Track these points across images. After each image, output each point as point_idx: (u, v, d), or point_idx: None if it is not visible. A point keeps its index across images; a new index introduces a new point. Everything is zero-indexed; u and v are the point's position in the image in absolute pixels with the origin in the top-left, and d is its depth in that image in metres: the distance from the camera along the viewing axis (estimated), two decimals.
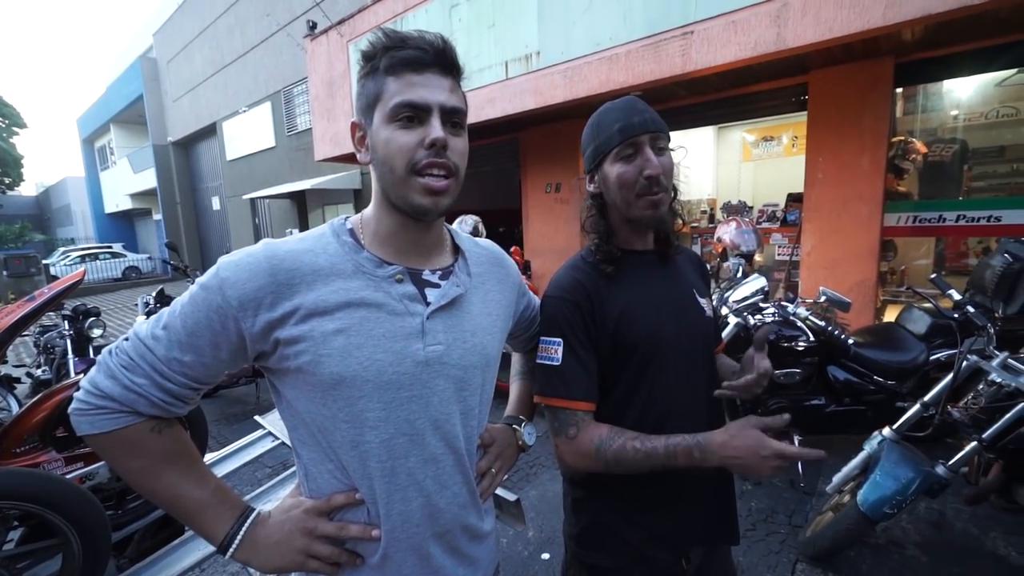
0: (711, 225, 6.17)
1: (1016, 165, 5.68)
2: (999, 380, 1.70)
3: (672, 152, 0.95)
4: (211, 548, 1.60)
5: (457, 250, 0.84)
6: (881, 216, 4.13)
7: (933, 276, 2.04)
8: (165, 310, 0.66)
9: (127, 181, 19.11)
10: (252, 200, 12.22)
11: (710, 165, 8.22)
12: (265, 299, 0.64)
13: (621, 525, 0.95)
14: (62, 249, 18.65)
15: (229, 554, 0.69)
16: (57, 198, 28.01)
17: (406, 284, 0.72)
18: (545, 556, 2.18)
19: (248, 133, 12.57)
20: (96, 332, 3.79)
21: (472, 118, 4.33)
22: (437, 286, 0.76)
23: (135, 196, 19.31)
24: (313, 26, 7.12)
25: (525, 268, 6.74)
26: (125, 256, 17.47)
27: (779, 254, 5.00)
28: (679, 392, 0.93)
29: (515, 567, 2.12)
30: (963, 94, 5.46)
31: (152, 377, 0.64)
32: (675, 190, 0.98)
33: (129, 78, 17.14)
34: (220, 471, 2.07)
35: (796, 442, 0.81)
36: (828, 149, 4.26)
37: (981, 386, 1.80)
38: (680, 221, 1.02)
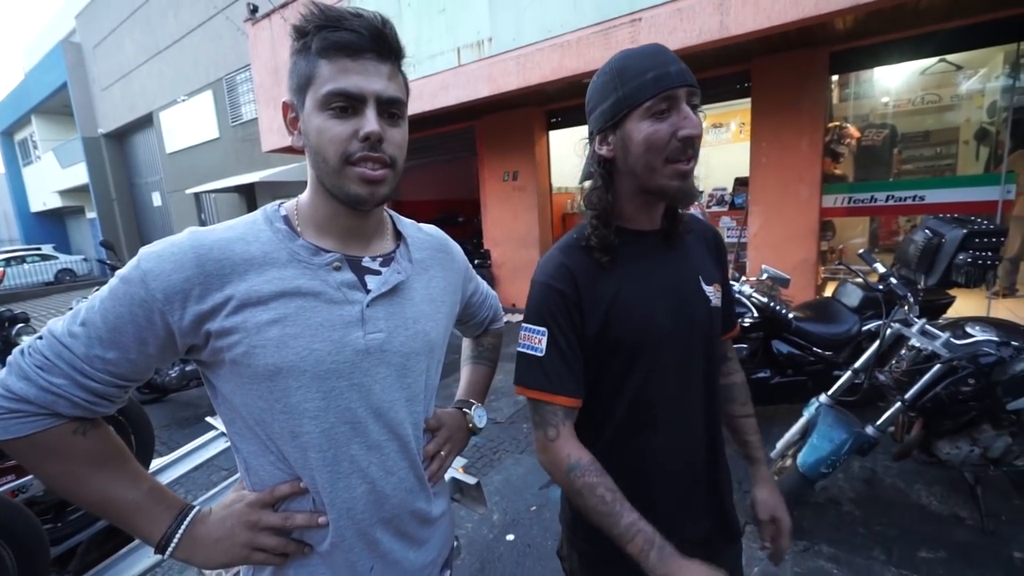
0: None
1: (940, 148, 6.15)
2: (918, 345, 1.86)
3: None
4: (160, 556, 1.55)
5: (399, 236, 0.83)
6: (819, 198, 4.37)
7: (861, 252, 2.19)
8: (82, 306, 0.63)
9: (55, 177, 17.68)
10: (197, 195, 11.61)
11: None
12: (193, 291, 0.62)
13: None
14: None
15: (168, 553, 0.67)
16: None
17: (344, 272, 0.71)
18: (509, 537, 2.22)
19: (189, 124, 11.88)
20: (25, 340, 3.53)
21: (426, 106, 4.29)
22: (378, 273, 0.75)
23: (65, 193, 17.90)
24: (254, 9, 6.77)
25: (484, 257, 6.73)
26: (56, 258, 16.19)
27: (728, 236, 5.21)
28: (672, 390, 0.86)
29: (480, 549, 2.15)
30: (893, 82, 5.82)
31: (72, 376, 0.60)
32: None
33: (50, 64, 15.79)
34: (170, 475, 1.98)
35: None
36: (770, 134, 4.45)
37: (903, 351, 1.95)
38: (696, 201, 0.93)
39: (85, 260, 16.81)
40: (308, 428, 0.67)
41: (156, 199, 14.32)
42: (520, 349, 0.85)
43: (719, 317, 0.93)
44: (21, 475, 1.61)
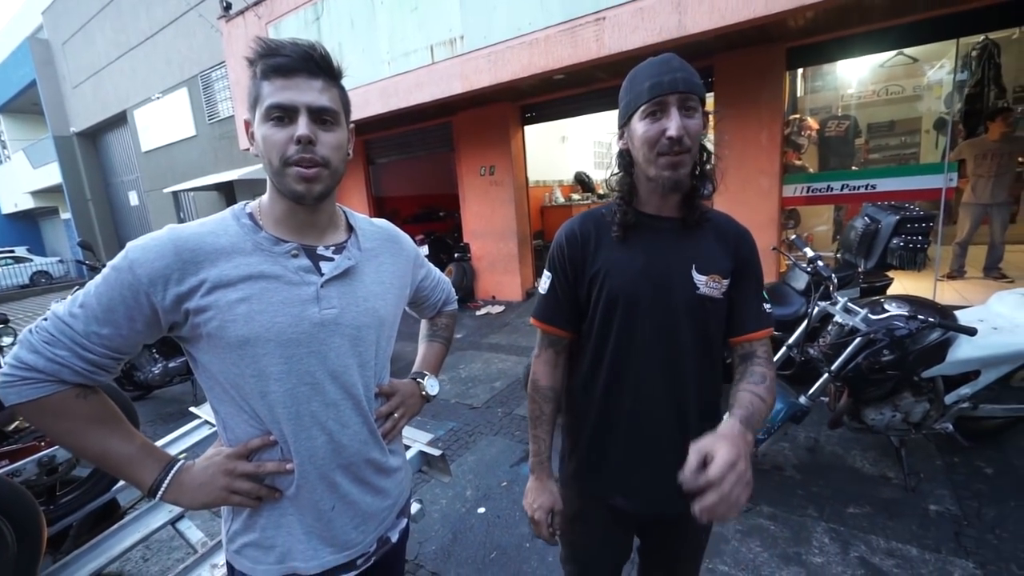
0: None
1: (904, 138, 6.42)
2: (841, 321, 2.05)
3: (707, 114, 0.95)
4: (149, 530, 1.67)
5: (351, 228, 0.97)
6: (780, 188, 4.59)
7: (793, 237, 2.38)
8: (80, 291, 0.76)
9: (26, 178, 17.28)
10: (175, 194, 11.50)
11: None
12: (172, 275, 0.75)
13: (572, 464, 1.13)
14: None
15: (158, 496, 0.81)
16: None
17: (301, 259, 0.85)
18: (481, 510, 2.38)
19: (164, 121, 11.72)
20: (6, 340, 3.57)
21: (401, 103, 4.44)
22: (331, 259, 0.88)
23: (37, 194, 17.52)
24: (227, 7, 6.75)
25: (464, 250, 6.86)
26: (31, 260, 15.90)
27: None
28: (639, 355, 0.98)
29: (453, 522, 2.31)
30: (855, 75, 6.07)
31: (73, 349, 0.73)
32: (708, 154, 0.96)
33: (17, 62, 15.39)
34: None
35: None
36: (732, 127, 4.64)
37: (830, 327, 2.15)
38: (711, 186, 0.98)
39: (61, 262, 16.50)
40: (274, 388, 0.81)
41: (133, 198, 14.11)
42: (538, 288, 1.11)
43: (712, 306, 0.97)
44: (15, 460, 1.71)
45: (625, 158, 0.99)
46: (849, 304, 2.06)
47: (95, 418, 0.78)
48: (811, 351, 2.16)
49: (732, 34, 3.82)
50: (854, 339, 1.98)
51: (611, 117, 1.08)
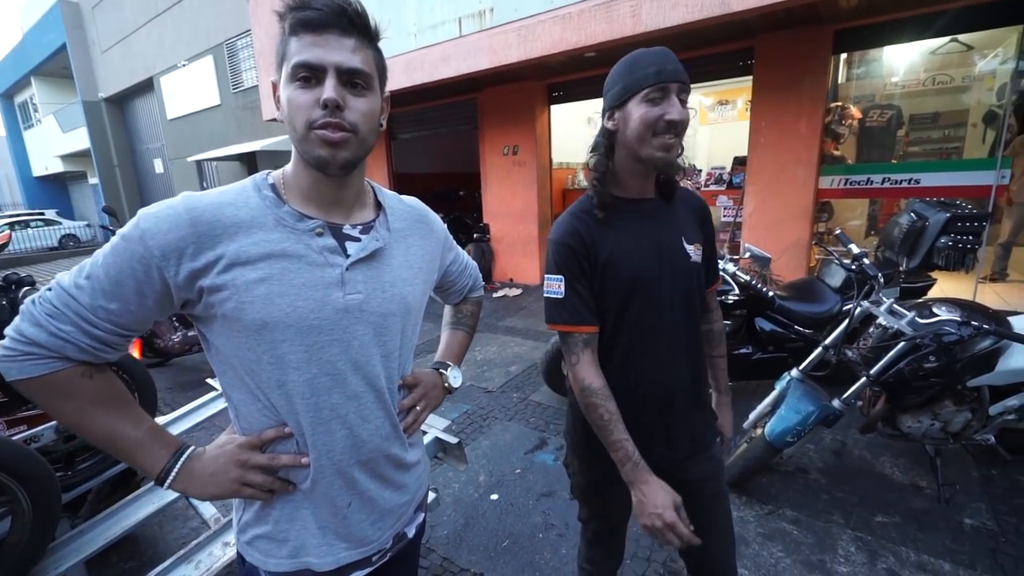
0: None
1: (948, 131, 6.06)
2: (884, 323, 1.93)
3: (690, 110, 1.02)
4: (165, 501, 1.67)
5: (380, 206, 0.89)
6: (816, 179, 4.38)
7: (837, 232, 2.24)
8: (87, 261, 0.69)
9: (56, 141, 17.60)
10: (198, 162, 11.58)
11: None
12: (187, 249, 0.68)
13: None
14: None
15: (166, 485, 0.76)
16: None
17: (326, 237, 0.77)
18: (493, 497, 2.35)
19: (190, 90, 11.75)
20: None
21: (426, 77, 4.31)
22: (357, 240, 0.81)
23: (66, 158, 17.85)
24: None
25: (483, 231, 6.77)
26: (60, 223, 16.24)
27: (724, 215, 5.23)
28: (660, 326, 1.06)
29: (466, 507, 2.28)
30: (902, 61, 5.71)
31: (78, 324, 0.67)
32: (682, 147, 1.04)
33: (48, 25, 15.51)
34: (172, 432, 2.10)
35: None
36: (770, 113, 4.42)
37: (872, 329, 2.03)
38: (682, 172, 1.09)
39: (88, 226, 16.82)
40: (293, 377, 0.75)
41: (158, 166, 14.28)
42: (546, 295, 1.08)
43: (700, 270, 1.13)
44: (33, 425, 1.72)
45: (610, 139, 1.03)
46: (895, 306, 1.94)
47: (101, 399, 0.73)
48: (849, 353, 2.05)
49: (777, 13, 3.60)
50: (897, 343, 1.87)
51: None
